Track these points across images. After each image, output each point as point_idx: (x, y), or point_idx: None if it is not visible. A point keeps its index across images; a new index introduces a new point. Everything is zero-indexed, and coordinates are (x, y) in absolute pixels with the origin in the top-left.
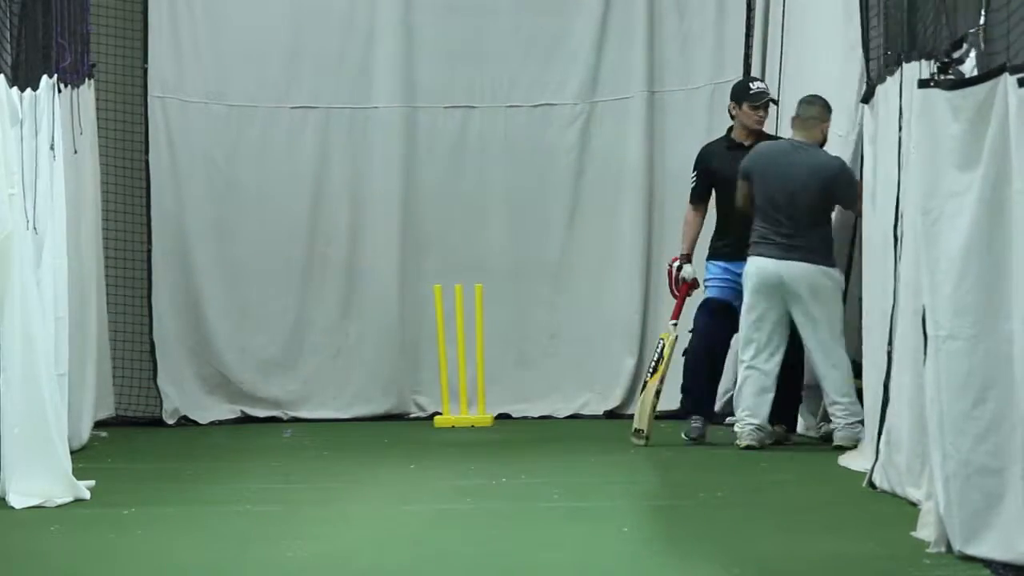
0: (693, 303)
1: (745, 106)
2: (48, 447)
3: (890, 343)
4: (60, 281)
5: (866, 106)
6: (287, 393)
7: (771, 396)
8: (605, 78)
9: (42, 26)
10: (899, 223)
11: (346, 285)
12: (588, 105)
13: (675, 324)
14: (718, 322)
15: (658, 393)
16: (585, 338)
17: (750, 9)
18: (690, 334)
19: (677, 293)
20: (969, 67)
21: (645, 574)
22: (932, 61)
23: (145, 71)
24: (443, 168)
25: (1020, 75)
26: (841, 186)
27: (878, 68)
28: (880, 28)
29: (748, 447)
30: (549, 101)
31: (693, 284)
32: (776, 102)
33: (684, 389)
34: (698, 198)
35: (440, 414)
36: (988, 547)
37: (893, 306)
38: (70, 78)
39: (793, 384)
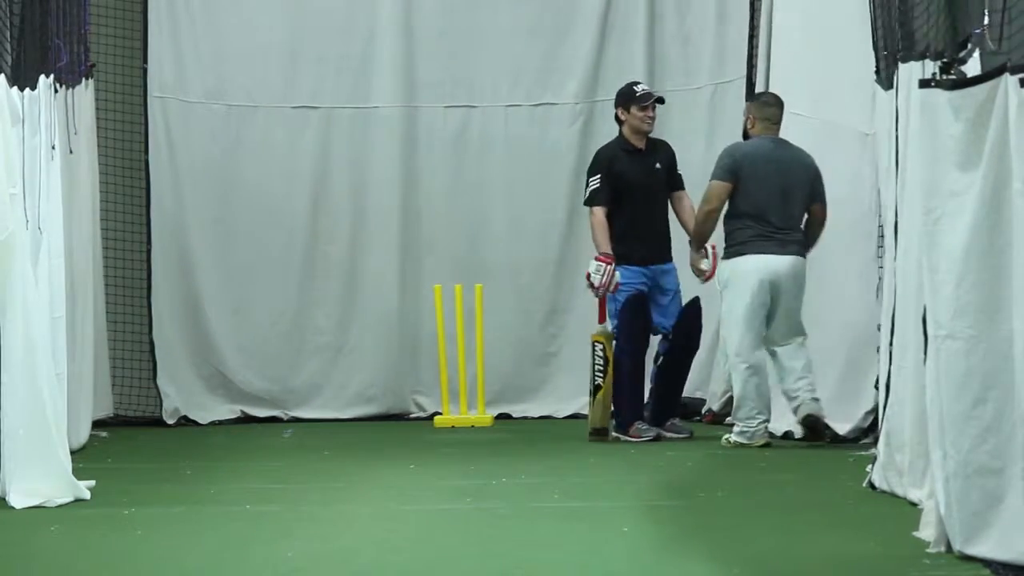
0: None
1: (634, 109)
2: (48, 447)
3: (891, 343)
4: (57, 281)
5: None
6: (287, 393)
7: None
8: (606, 77)
9: (40, 26)
10: (898, 222)
11: (346, 285)
12: (589, 104)
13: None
14: (645, 319)
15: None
16: (585, 338)
17: (753, 9)
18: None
19: (608, 293)
20: (973, 67)
21: (645, 574)
22: (935, 61)
23: (145, 71)
24: (443, 168)
25: (1020, 75)
26: (820, 181)
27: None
28: (892, 26)
29: (766, 445)
30: (550, 100)
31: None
32: (663, 101)
33: (639, 396)
34: (605, 201)
35: (440, 414)
36: (988, 547)
37: (894, 306)
38: (66, 78)
39: (677, 384)
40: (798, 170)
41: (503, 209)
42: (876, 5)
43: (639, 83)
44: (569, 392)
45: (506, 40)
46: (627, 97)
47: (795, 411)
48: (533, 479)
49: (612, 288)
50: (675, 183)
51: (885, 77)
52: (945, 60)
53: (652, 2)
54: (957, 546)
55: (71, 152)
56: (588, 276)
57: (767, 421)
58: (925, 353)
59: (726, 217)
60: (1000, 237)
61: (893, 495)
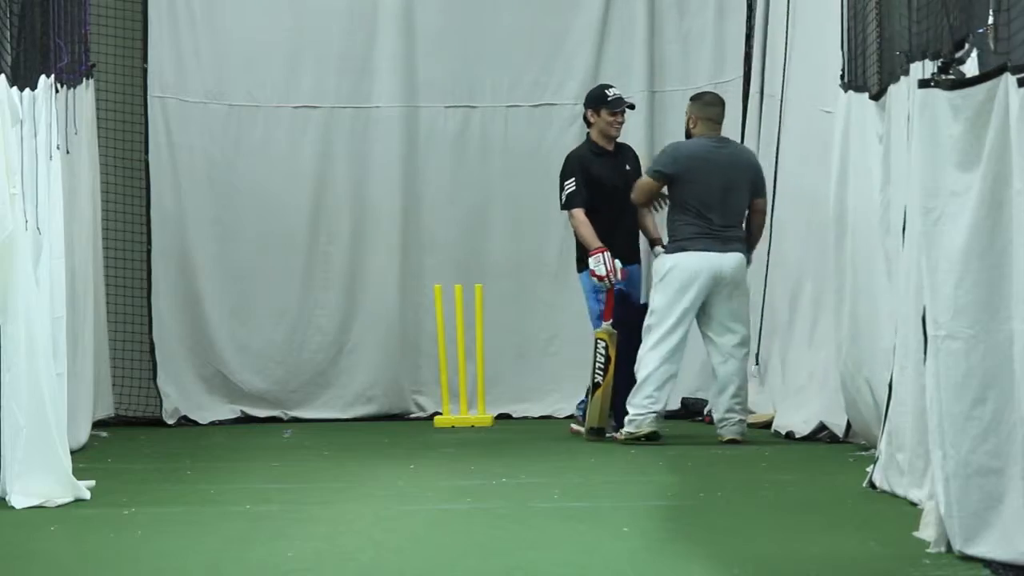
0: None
1: (604, 113)
2: (49, 447)
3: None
4: (57, 281)
5: (875, 103)
6: (287, 393)
7: None
8: (606, 78)
9: (40, 26)
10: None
11: (346, 285)
12: None
13: (612, 323)
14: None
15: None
16: (585, 338)
17: (751, 9)
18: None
19: (616, 280)
20: (972, 67)
21: (645, 574)
22: (934, 61)
23: (145, 71)
24: (444, 168)
25: (1020, 75)
26: (761, 177)
27: (893, 67)
28: (893, 26)
29: (653, 434)
30: (550, 101)
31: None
32: (633, 107)
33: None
34: (583, 202)
35: (440, 414)
36: (988, 547)
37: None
38: (67, 78)
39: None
40: (739, 168)
41: (503, 209)
42: (849, 7)
43: (611, 86)
44: (569, 392)
45: (506, 40)
46: (598, 100)
47: (720, 431)
48: (533, 479)
49: (620, 275)
50: None
51: (849, 79)
52: (944, 60)
53: (652, 2)
54: (957, 546)
55: (71, 152)
56: (592, 274)
57: (659, 412)
58: (925, 353)
59: (669, 212)
60: (1000, 237)
61: (893, 495)
